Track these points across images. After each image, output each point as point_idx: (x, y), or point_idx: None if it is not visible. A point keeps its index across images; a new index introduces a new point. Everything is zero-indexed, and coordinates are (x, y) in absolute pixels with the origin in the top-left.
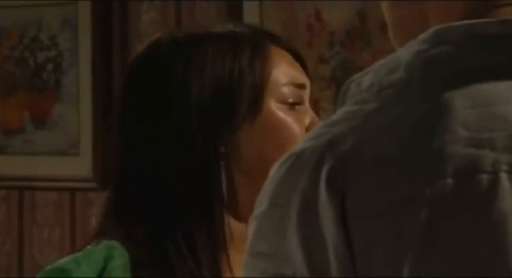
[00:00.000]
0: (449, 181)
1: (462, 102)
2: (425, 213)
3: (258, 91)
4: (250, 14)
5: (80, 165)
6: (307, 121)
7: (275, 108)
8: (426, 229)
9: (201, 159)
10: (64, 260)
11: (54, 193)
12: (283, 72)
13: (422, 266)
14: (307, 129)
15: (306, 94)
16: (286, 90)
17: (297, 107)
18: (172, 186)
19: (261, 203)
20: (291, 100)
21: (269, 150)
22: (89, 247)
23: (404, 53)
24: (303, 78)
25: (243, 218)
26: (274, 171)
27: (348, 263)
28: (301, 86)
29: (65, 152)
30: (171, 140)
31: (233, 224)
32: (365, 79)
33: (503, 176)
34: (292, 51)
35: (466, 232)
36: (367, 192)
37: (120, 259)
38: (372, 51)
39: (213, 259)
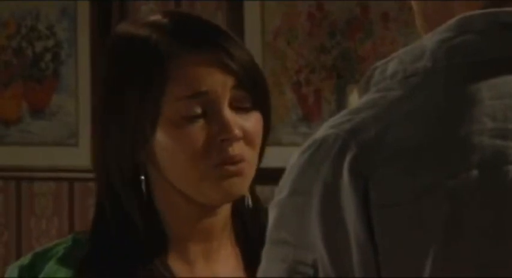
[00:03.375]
0: (474, 172)
1: (488, 92)
2: (449, 204)
3: (153, 110)
4: (251, 2)
5: (79, 155)
6: (213, 129)
7: (170, 123)
8: (449, 221)
9: (129, 162)
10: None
11: (52, 184)
12: (182, 86)
13: (446, 257)
14: (213, 137)
15: (218, 97)
16: (181, 104)
17: (198, 119)
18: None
19: (282, 190)
20: (186, 114)
21: (173, 162)
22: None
23: (429, 41)
24: (207, 85)
25: (177, 218)
26: (295, 159)
27: (369, 252)
28: (201, 94)
29: (64, 142)
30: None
31: (173, 224)
32: (389, 67)
33: None
34: (218, 58)
35: (491, 224)
36: (389, 181)
37: (58, 255)
38: (373, 41)
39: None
